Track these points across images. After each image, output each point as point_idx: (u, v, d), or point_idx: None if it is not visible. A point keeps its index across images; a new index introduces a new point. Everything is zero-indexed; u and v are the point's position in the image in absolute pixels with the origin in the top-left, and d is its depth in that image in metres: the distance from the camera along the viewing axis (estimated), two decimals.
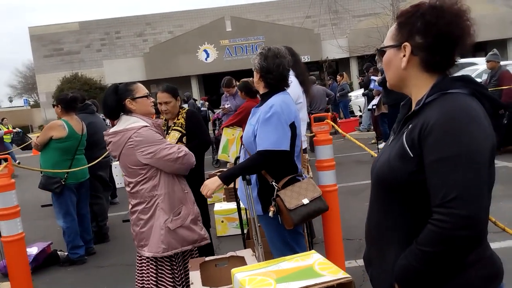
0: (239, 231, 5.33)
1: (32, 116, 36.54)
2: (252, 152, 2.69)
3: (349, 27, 30.01)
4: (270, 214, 2.57)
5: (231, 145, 6.12)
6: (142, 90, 3.01)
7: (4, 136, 12.60)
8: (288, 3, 32.80)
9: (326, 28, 27.30)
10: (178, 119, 3.69)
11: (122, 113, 2.99)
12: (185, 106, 15.90)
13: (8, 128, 13.55)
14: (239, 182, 2.92)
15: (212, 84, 28.44)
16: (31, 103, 46.68)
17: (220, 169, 7.32)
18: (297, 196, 2.54)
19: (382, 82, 8.37)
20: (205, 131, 3.82)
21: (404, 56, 1.42)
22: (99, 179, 5.67)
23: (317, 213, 2.66)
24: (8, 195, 2.93)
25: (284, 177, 2.63)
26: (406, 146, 1.35)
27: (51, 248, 5.11)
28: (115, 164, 8.05)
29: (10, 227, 2.94)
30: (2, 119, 13.94)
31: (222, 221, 5.37)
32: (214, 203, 5.67)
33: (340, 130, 3.52)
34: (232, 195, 5.34)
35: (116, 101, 2.96)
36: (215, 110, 15.06)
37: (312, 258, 1.78)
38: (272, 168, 2.63)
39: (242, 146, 2.82)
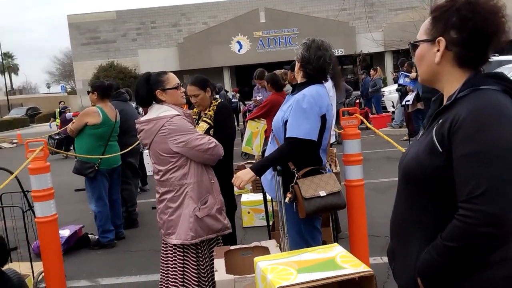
0: (264, 223, 5.36)
1: (69, 103, 37.42)
2: (280, 138, 2.72)
3: (384, 21, 29.48)
4: (286, 200, 2.60)
5: (255, 138, 6.14)
6: (173, 80, 3.04)
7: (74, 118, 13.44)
8: None
9: (361, 21, 26.89)
10: (208, 111, 3.72)
11: (154, 102, 3.05)
12: (235, 95, 16.02)
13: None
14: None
15: (244, 75, 28.52)
16: (68, 89, 47.93)
17: (249, 161, 7.36)
18: (315, 187, 2.55)
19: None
20: (230, 126, 3.78)
21: (438, 50, 1.42)
22: (129, 166, 5.80)
23: (333, 207, 2.66)
24: (43, 178, 3.03)
25: (306, 167, 2.64)
26: (436, 140, 1.35)
27: (83, 231, 5.27)
28: (147, 152, 8.19)
29: (44, 209, 3.05)
30: (60, 102, 14.60)
31: (249, 212, 5.42)
32: (241, 194, 5.71)
33: (369, 125, 3.49)
34: (259, 186, 5.37)
35: (147, 91, 3.02)
36: (246, 102, 15.12)
37: (335, 251, 1.79)
38: (297, 158, 2.65)
39: (271, 132, 2.85)
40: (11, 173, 3.48)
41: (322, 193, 2.54)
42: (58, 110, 14.38)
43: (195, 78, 3.72)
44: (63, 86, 40.99)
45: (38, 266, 3.77)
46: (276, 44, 27.89)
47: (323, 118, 2.64)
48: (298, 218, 2.64)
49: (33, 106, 40.50)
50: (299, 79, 2.77)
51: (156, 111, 3.00)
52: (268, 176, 2.78)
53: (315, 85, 2.70)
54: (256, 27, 27.83)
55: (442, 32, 1.40)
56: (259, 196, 5.46)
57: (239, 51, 28.10)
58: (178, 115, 2.97)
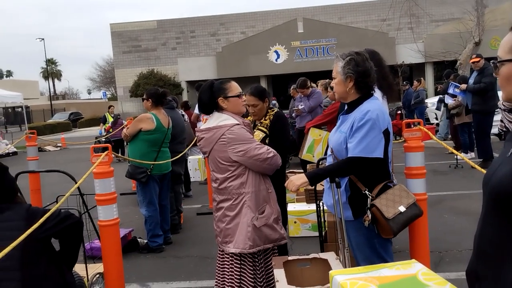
0: (311, 233, 5.33)
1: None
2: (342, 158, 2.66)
3: (425, 32, 28.96)
4: (366, 224, 2.54)
5: (317, 146, 6.07)
6: (235, 89, 3.08)
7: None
8: (362, 5, 32.22)
9: (401, 32, 26.49)
10: (265, 119, 3.73)
11: (215, 110, 3.09)
12: (275, 104, 15.88)
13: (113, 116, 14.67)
14: (325, 189, 2.90)
15: (281, 84, 28.53)
16: (108, 96, 49.20)
17: (290, 170, 7.33)
18: (392, 204, 2.48)
19: (475, 89, 7.95)
20: (287, 137, 3.77)
21: None
22: (173, 173, 5.85)
23: (413, 219, 2.60)
24: (107, 182, 3.11)
25: (376, 185, 2.58)
26: None
27: (132, 235, 5.37)
28: (190, 159, 8.30)
29: (107, 212, 3.12)
30: (109, 107, 15.08)
31: (295, 222, 5.39)
32: (287, 203, 5.68)
33: (434, 137, 3.43)
34: (312, 197, 5.33)
35: (209, 98, 3.07)
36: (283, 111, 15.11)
37: (414, 268, 1.75)
38: (364, 176, 2.59)
39: (331, 151, 2.78)
40: (74, 179, 3.57)
41: (402, 209, 2.48)
42: (108, 113, 14.81)
43: (255, 88, 3.73)
44: (105, 92, 42.09)
45: (94, 268, 3.86)
46: (314, 54, 27.80)
47: (386, 132, 2.59)
48: (372, 236, 2.59)
49: (75, 111, 41.81)
50: (351, 97, 2.67)
51: (216, 119, 3.03)
52: (333, 195, 2.72)
53: (369, 99, 2.64)
54: (294, 37, 27.84)
55: None
56: (306, 206, 5.44)
57: (276, 60, 28.15)
58: (238, 124, 3.00)
